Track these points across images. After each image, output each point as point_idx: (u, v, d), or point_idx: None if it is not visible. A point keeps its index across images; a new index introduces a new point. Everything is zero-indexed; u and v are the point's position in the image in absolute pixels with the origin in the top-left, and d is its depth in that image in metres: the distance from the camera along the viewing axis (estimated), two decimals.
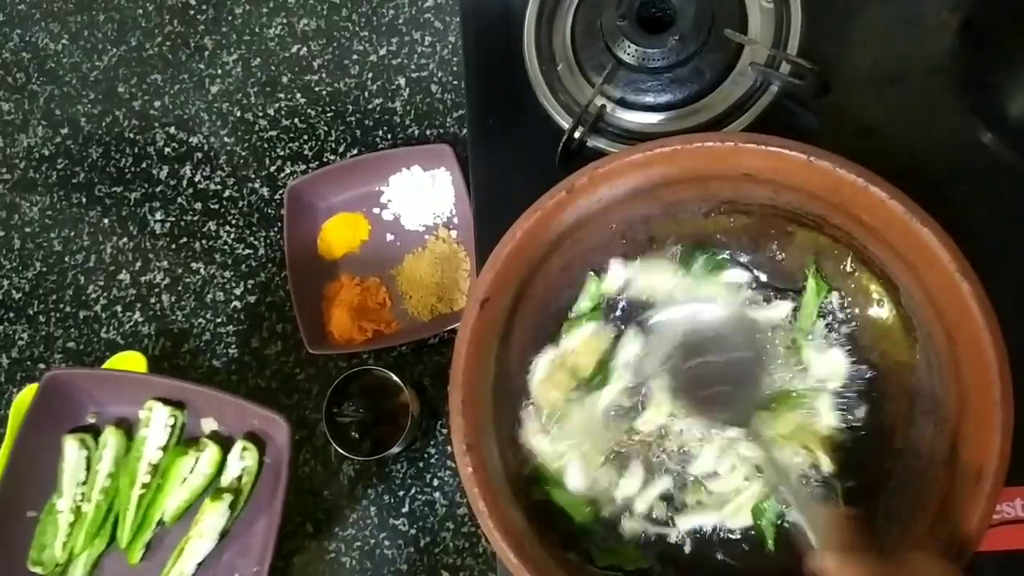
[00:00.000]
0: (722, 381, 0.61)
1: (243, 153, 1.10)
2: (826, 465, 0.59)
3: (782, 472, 0.56)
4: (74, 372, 0.82)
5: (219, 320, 1.05)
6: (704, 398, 0.61)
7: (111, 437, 0.85)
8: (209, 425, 0.87)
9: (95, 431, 0.87)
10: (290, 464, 0.80)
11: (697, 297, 0.64)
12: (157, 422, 0.84)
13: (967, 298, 0.49)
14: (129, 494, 0.84)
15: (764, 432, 0.58)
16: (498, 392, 0.61)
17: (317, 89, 1.10)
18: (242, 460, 0.84)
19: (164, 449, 0.85)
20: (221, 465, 0.85)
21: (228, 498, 0.82)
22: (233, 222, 1.08)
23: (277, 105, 1.11)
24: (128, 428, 0.87)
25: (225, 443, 0.86)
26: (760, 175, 0.56)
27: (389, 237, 1.04)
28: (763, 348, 0.62)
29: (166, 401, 0.85)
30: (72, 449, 0.84)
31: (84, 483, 0.85)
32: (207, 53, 1.15)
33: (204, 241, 1.09)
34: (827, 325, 0.62)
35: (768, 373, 0.61)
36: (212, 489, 0.84)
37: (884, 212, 0.52)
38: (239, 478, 0.84)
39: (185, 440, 0.86)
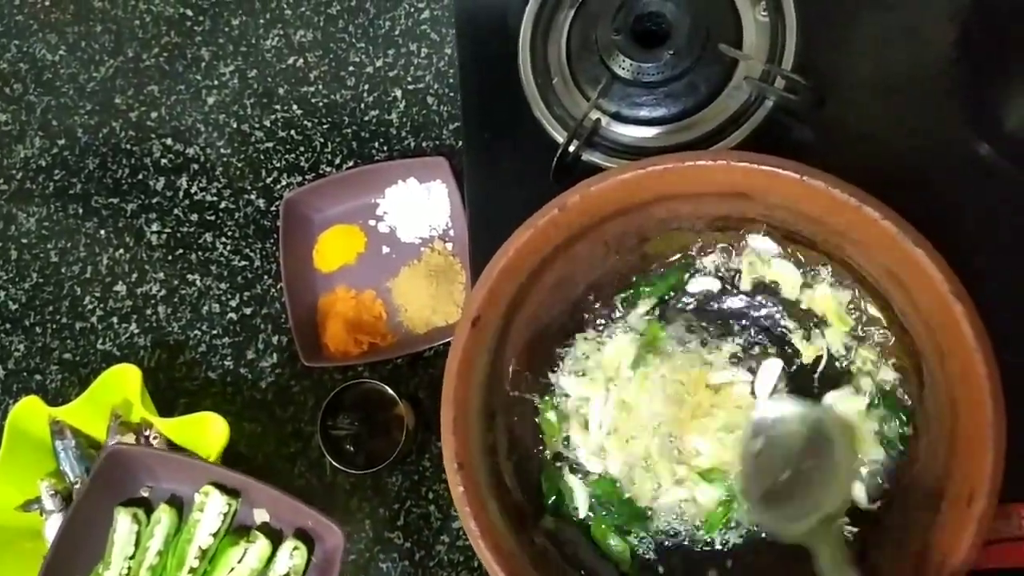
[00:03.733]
0: (788, 477, 0.57)
1: (239, 164, 1.10)
2: None
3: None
4: (139, 449, 0.84)
5: (215, 332, 1.05)
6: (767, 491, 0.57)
7: (164, 515, 0.85)
8: (261, 516, 0.86)
9: (147, 505, 0.87)
10: (337, 572, 0.80)
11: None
12: (212, 508, 0.84)
13: (959, 319, 0.48)
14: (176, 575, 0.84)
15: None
16: (490, 409, 0.61)
17: (313, 101, 1.10)
18: (291, 559, 0.83)
19: (215, 535, 0.85)
20: (269, 559, 0.85)
21: None
22: (229, 234, 1.08)
23: (273, 116, 1.10)
24: (180, 506, 0.87)
25: (274, 536, 0.86)
26: (753, 192, 0.56)
27: (385, 249, 1.04)
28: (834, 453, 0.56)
29: (222, 488, 0.85)
30: (124, 522, 0.84)
31: (132, 557, 0.84)
32: (204, 64, 1.15)
33: (200, 253, 1.08)
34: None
35: (837, 481, 0.56)
36: None
37: (877, 231, 0.51)
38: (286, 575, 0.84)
39: (235, 528, 0.86)
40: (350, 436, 0.95)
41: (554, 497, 0.63)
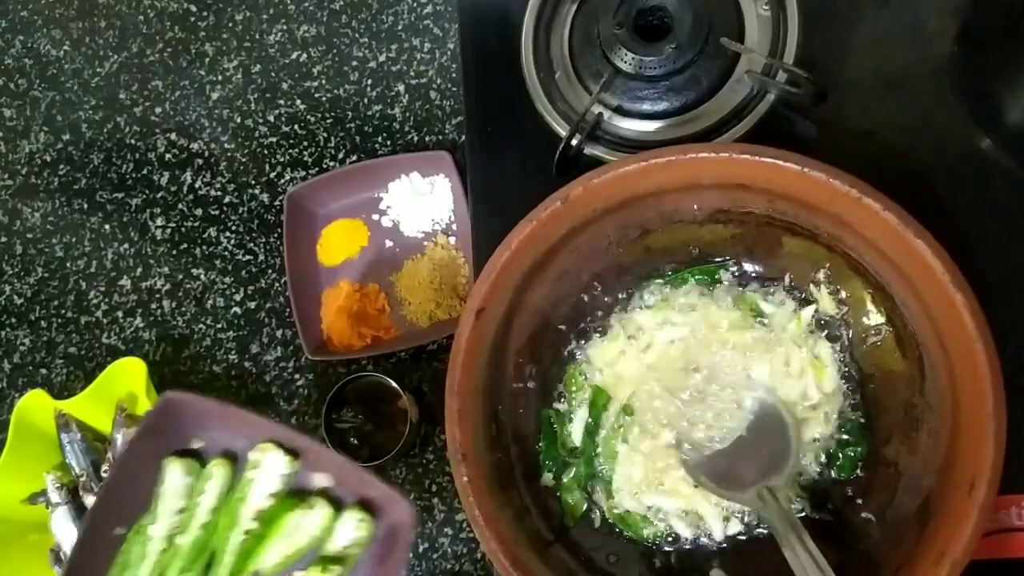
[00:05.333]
0: (739, 457, 0.60)
1: (243, 159, 1.10)
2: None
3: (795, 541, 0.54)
4: (196, 399, 0.74)
5: (219, 326, 1.06)
6: (720, 475, 0.60)
7: (218, 471, 0.76)
8: (321, 481, 0.76)
9: (199, 458, 0.78)
10: (406, 549, 0.72)
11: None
12: (272, 468, 0.75)
13: (960, 309, 0.49)
14: (228, 536, 0.76)
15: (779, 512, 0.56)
16: (493, 401, 0.61)
17: (317, 95, 1.10)
18: (356, 530, 0.73)
19: (272, 497, 0.75)
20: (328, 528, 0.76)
21: (338, 570, 0.72)
22: (233, 228, 1.09)
23: (277, 111, 1.11)
24: (233, 463, 0.77)
25: (334, 504, 0.76)
26: (755, 185, 0.56)
27: (388, 243, 1.04)
28: (784, 424, 0.59)
29: (282, 448, 0.76)
30: (176, 474, 0.75)
31: (182, 512, 0.75)
32: (208, 59, 1.15)
33: (204, 247, 1.09)
34: (826, 334, 0.63)
35: (790, 449, 0.59)
36: (315, 553, 0.75)
37: (878, 223, 0.52)
38: (347, 547, 0.74)
39: (293, 491, 0.76)
40: (354, 429, 0.96)
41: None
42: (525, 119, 0.76)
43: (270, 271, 1.06)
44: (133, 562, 0.69)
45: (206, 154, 1.12)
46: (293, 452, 0.73)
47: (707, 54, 0.71)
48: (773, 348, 0.63)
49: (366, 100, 1.08)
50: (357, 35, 1.11)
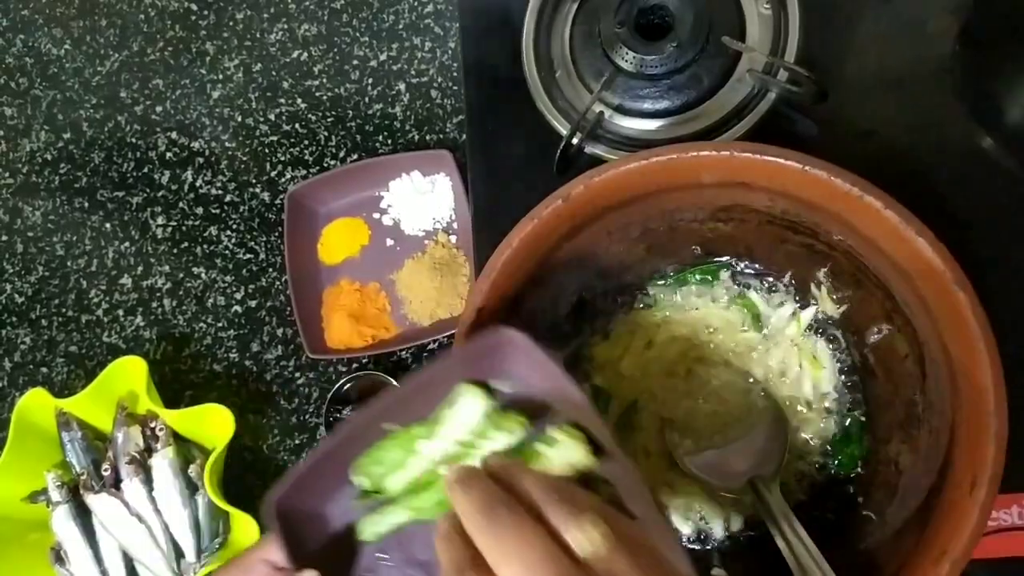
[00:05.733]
0: (732, 449, 0.60)
1: (244, 158, 1.10)
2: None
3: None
4: (532, 348, 0.61)
5: (220, 324, 1.06)
6: (713, 466, 0.60)
7: (516, 427, 0.62)
8: None
9: (496, 397, 0.64)
10: None
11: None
12: (566, 456, 0.59)
13: (962, 308, 0.49)
14: None
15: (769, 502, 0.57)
16: None
17: (318, 94, 1.10)
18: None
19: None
20: None
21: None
22: (234, 227, 1.09)
23: (278, 110, 1.11)
24: (532, 423, 0.63)
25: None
26: (756, 183, 0.56)
27: (389, 242, 1.04)
28: (779, 420, 0.60)
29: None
30: (475, 406, 0.63)
31: (463, 443, 0.63)
32: (208, 58, 1.15)
33: (205, 246, 1.09)
34: (824, 334, 0.63)
35: (784, 442, 0.60)
36: None
37: (879, 221, 0.52)
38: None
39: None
40: None
41: None
42: (526, 118, 0.76)
43: (271, 270, 1.06)
44: (386, 463, 0.62)
45: (207, 153, 1.12)
46: (596, 446, 0.61)
47: (708, 53, 0.71)
48: (773, 347, 0.63)
49: (367, 99, 1.08)
50: (358, 34, 1.11)
